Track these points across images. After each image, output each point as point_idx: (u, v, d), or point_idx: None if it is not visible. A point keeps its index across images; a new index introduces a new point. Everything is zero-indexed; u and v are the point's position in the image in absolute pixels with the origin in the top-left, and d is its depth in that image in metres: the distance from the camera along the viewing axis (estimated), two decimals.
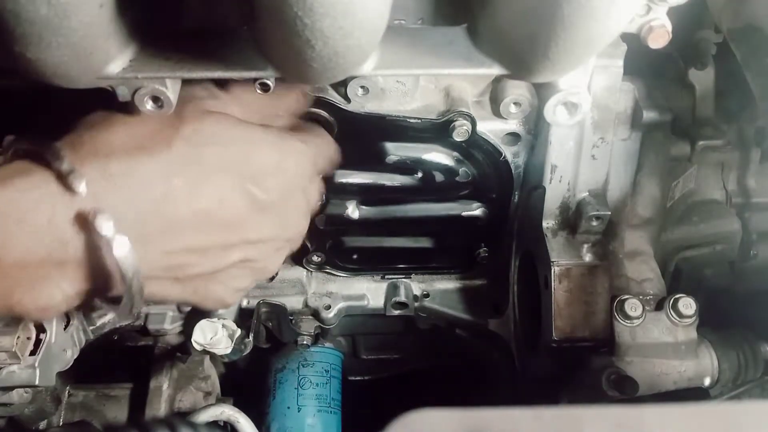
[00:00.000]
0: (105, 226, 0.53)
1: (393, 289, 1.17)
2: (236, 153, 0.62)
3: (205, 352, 0.90)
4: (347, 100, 0.86)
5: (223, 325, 0.86)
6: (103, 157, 0.57)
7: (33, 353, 0.84)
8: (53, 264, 0.53)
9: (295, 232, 0.69)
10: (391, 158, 0.96)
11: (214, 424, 0.90)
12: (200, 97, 0.67)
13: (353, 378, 1.34)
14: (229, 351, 0.90)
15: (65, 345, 0.91)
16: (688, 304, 0.90)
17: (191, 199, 0.59)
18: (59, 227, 0.53)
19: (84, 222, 0.53)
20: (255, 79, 0.83)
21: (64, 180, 0.53)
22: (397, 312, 1.17)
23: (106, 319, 1.20)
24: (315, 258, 1.11)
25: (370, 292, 1.19)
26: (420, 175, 0.99)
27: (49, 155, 0.53)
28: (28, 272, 0.52)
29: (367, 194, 1.03)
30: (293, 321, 1.16)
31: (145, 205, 0.57)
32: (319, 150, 0.73)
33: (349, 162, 0.98)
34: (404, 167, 0.98)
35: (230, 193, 0.61)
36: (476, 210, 1.05)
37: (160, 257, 0.59)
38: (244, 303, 1.13)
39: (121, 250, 0.53)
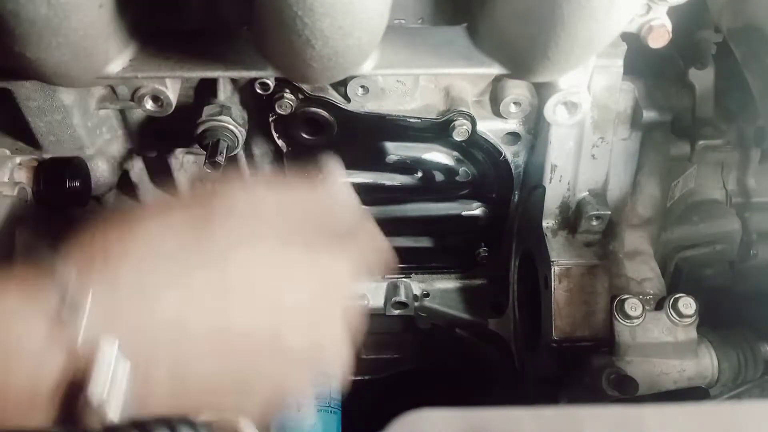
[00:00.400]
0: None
1: (393, 289, 1.17)
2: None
3: None
4: (347, 99, 0.86)
5: None
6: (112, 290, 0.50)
7: None
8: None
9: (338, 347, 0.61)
10: (391, 158, 0.96)
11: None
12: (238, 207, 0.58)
13: (353, 378, 1.33)
14: None
15: None
16: (688, 304, 0.90)
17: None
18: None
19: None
20: (255, 79, 0.84)
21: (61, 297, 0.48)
22: (397, 312, 1.17)
23: None
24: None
25: (369, 291, 1.19)
26: (420, 174, 0.99)
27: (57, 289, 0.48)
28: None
29: (367, 194, 1.03)
30: None
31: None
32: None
33: (349, 162, 0.98)
34: (404, 167, 0.98)
35: None
36: (476, 209, 1.05)
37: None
38: None
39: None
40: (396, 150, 0.95)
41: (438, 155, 0.96)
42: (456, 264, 1.18)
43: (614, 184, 0.94)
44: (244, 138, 0.88)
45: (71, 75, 0.67)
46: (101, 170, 0.94)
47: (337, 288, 0.58)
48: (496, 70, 0.72)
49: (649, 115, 0.91)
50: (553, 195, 0.93)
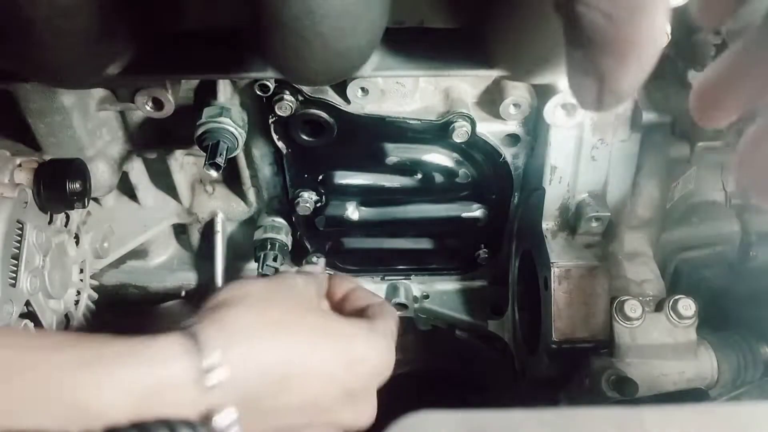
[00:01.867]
0: (225, 420, 0.55)
1: (393, 290, 1.17)
2: (341, 346, 0.67)
3: None
4: (347, 101, 0.86)
5: None
6: (250, 342, 0.60)
7: None
8: None
9: (365, 422, 0.70)
10: (391, 159, 0.96)
11: None
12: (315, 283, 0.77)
13: None
14: None
15: None
16: (687, 305, 0.90)
17: (303, 389, 0.63)
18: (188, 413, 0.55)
19: (206, 415, 0.56)
20: (255, 81, 0.84)
21: (199, 373, 0.55)
22: (397, 313, 1.17)
23: (106, 320, 1.20)
24: (315, 259, 1.11)
25: None
26: (420, 176, 0.99)
27: (191, 344, 0.56)
28: None
29: (367, 195, 1.03)
30: None
31: (262, 388, 0.60)
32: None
33: (348, 163, 0.98)
34: (404, 168, 0.98)
35: (330, 381, 0.65)
36: (476, 211, 1.05)
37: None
38: None
39: None
40: (396, 151, 0.95)
41: (438, 157, 0.97)
42: (456, 265, 1.18)
43: (614, 185, 0.94)
44: (244, 139, 0.88)
45: (71, 77, 0.67)
46: (101, 172, 0.94)
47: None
48: (495, 72, 0.72)
49: (648, 116, 0.91)
50: (553, 196, 0.93)
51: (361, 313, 0.78)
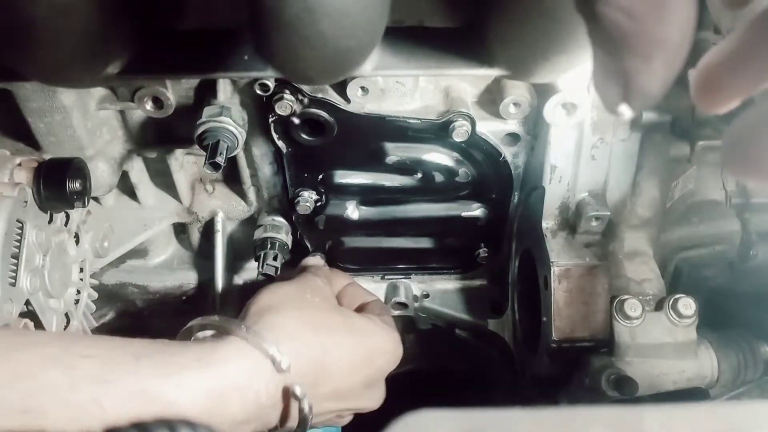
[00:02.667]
0: (300, 393, 0.70)
1: (393, 290, 1.17)
2: (361, 340, 0.79)
3: None
4: (347, 100, 0.86)
5: None
6: (296, 340, 0.72)
7: None
8: (254, 426, 0.69)
9: (377, 404, 0.84)
10: (391, 159, 0.96)
11: None
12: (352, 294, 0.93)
13: None
14: None
15: None
16: (687, 305, 0.90)
17: (333, 378, 0.75)
18: (264, 399, 0.68)
19: (285, 392, 0.70)
20: (255, 80, 0.84)
21: (273, 362, 0.68)
22: (396, 312, 1.17)
23: (106, 319, 1.21)
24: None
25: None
26: (420, 175, 0.99)
27: (251, 338, 0.69)
28: None
29: (366, 195, 1.03)
30: None
31: (306, 378, 0.72)
32: None
33: (348, 162, 0.98)
34: (404, 168, 0.98)
35: (353, 372, 0.77)
36: (476, 210, 1.05)
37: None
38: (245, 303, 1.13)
39: (306, 406, 0.71)
40: (396, 151, 0.95)
41: (438, 156, 0.97)
42: (456, 265, 1.18)
43: (614, 184, 0.94)
44: (244, 139, 0.88)
45: (71, 76, 0.67)
46: (101, 171, 0.94)
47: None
48: (495, 71, 0.72)
49: (648, 115, 0.91)
50: (553, 196, 0.93)
51: (360, 310, 0.89)
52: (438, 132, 0.90)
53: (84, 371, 0.60)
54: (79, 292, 0.96)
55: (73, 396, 0.58)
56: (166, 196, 1.09)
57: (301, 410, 0.72)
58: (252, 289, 0.87)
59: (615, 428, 0.37)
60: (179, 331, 0.76)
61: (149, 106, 0.82)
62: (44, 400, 0.56)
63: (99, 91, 0.88)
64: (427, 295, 1.19)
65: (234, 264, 1.16)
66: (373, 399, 0.82)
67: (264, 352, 0.69)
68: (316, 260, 1.06)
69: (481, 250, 1.13)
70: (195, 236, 1.15)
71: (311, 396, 0.72)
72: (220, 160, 0.82)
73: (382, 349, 0.81)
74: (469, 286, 1.20)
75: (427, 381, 1.35)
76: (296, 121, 0.89)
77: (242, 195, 1.08)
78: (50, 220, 0.87)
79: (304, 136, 0.92)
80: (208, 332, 0.75)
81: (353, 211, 1.05)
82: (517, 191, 1.03)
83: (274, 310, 0.75)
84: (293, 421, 0.73)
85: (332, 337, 0.76)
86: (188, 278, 1.18)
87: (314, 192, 1.01)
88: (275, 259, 1.02)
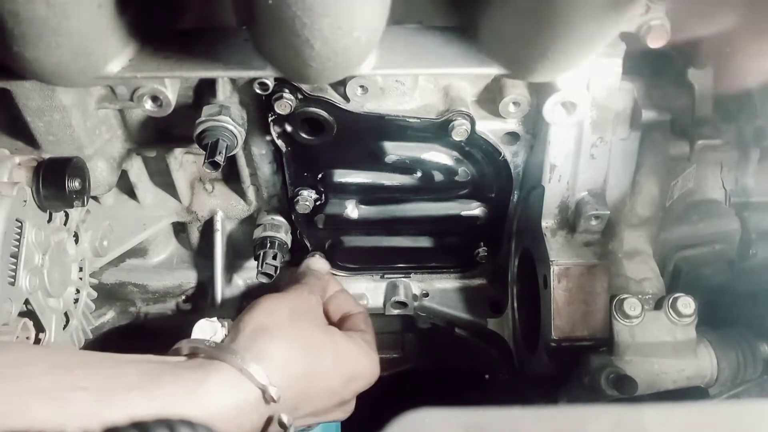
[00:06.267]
0: (287, 422, 0.73)
1: (392, 289, 1.17)
2: (342, 366, 0.83)
3: None
4: (346, 99, 0.86)
5: (223, 325, 0.86)
6: (285, 370, 0.74)
7: None
8: None
9: (346, 416, 0.90)
10: (391, 158, 0.96)
11: None
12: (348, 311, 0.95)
13: None
14: None
15: (64, 344, 0.91)
16: (687, 304, 0.90)
17: (314, 401, 0.80)
18: (248, 429, 0.70)
19: (269, 419, 0.73)
20: (254, 79, 0.84)
21: (264, 394, 0.71)
22: (396, 311, 1.17)
23: (106, 318, 1.20)
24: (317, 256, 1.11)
25: (369, 291, 1.19)
26: (419, 174, 0.99)
27: (244, 369, 0.70)
28: None
29: (366, 194, 1.03)
30: None
31: (292, 402, 0.76)
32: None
33: (348, 161, 0.98)
34: (403, 167, 0.98)
35: (332, 395, 0.82)
36: (475, 209, 1.05)
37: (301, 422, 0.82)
38: (244, 302, 1.14)
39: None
40: (395, 150, 0.95)
41: (437, 155, 0.97)
42: (455, 264, 1.18)
43: (613, 183, 0.94)
44: (244, 138, 0.88)
45: (70, 75, 0.67)
46: (100, 170, 0.94)
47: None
48: (495, 70, 0.72)
49: (648, 114, 0.91)
50: (553, 195, 0.93)
51: (344, 320, 0.94)
52: (437, 131, 0.90)
53: (75, 406, 0.60)
54: (78, 291, 0.96)
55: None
56: (166, 195, 1.09)
57: None
58: (251, 289, 0.87)
59: (614, 427, 0.37)
60: (174, 346, 0.77)
61: (148, 105, 0.81)
62: None
63: (98, 90, 0.88)
64: (426, 294, 1.19)
65: (233, 263, 1.16)
66: (343, 413, 0.88)
67: (256, 384, 0.71)
68: (320, 265, 1.06)
69: (480, 249, 1.13)
70: (194, 235, 1.15)
71: (311, 411, 0.78)
72: (220, 159, 0.82)
73: (361, 374, 0.85)
74: (469, 285, 1.20)
75: (426, 380, 1.35)
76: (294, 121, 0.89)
77: (241, 194, 1.08)
78: (49, 220, 0.87)
79: (304, 135, 0.91)
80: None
81: (353, 210, 1.05)
82: (516, 190, 1.03)
83: (267, 335, 0.77)
84: None
85: (319, 365, 0.79)
86: (187, 277, 1.18)
87: (314, 191, 1.01)
88: (275, 258, 1.02)
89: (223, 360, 0.71)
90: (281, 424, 0.73)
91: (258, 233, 1.05)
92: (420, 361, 1.36)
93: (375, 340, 0.94)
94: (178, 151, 1.01)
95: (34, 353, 0.72)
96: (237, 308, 1.12)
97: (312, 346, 0.80)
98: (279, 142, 0.93)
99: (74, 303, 0.95)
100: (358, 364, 0.85)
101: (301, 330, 0.81)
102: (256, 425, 0.72)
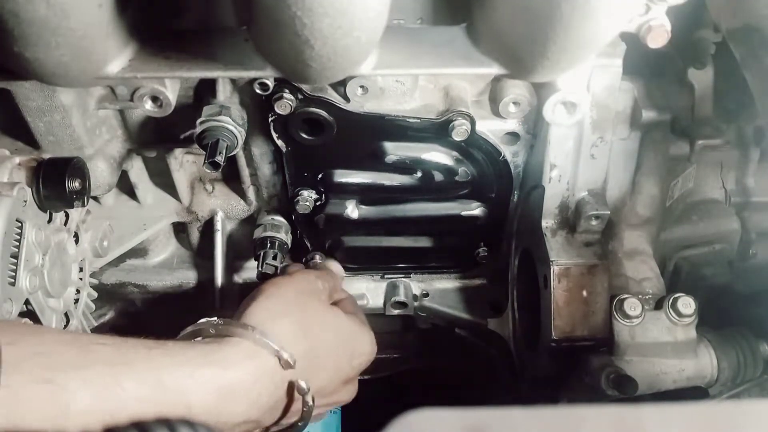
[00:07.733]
0: (305, 386, 0.75)
1: (392, 289, 1.17)
2: (346, 343, 0.85)
3: None
4: (346, 99, 0.86)
5: None
6: (293, 346, 0.75)
7: None
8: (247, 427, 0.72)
9: (351, 397, 0.91)
10: (391, 158, 0.96)
11: None
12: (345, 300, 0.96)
13: None
14: None
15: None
16: (687, 304, 0.90)
17: (320, 377, 0.80)
18: (265, 400, 0.72)
19: (291, 386, 0.75)
20: (254, 79, 0.84)
21: (280, 359, 0.72)
22: (396, 311, 1.17)
23: (106, 318, 1.21)
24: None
25: (369, 291, 1.19)
26: (419, 174, 0.99)
27: (258, 338, 0.72)
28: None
29: (366, 194, 1.03)
30: None
31: (311, 375, 0.77)
32: None
33: (348, 161, 0.98)
34: (403, 167, 0.98)
35: (337, 372, 0.84)
36: (475, 209, 1.05)
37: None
38: None
39: (311, 399, 0.76)
40: (395, 150, 0.95)
41: (437, 155, 0.97)
42: (455, 264, 1.18)
43: (613, 183, 0.94)
44: (244, 138, 0.88)
45: (70, 75, 0.67)
46: (101, 170, 0.94)
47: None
48: (495, 70, 0.72)
49: (648, 114, 0.91)
50: (553, 195, 0.93)
51: (339, 303, 0.94)
52: (437, 131, 0.90)
53: (99, 355, 0.61)
54: (78, 291, 0.96)
55: (92, 374, 0.59)
56: (166, 196, 1.09)
57: (305, 403, 0.76)
58: (252, 289, 0.87)
59: (614, 427, 0.37)
60: (180, 334, 0.77)
61: (148, 105, 0.81)
62: (64, 375, 0.57)
63: (98, 91, 0.88)
64: (426, 294, 1.18)
65: (233, 263, 1.16)
66: (348, 393, 0.89)
67: (270, 351, 0.72)
68: (337, 268, 1.08)
69: (480, 249, 1.13)
70: (194, 235, 1.15)
71: (327, 385, 0.80)
72: (220, 159, 0.82)
73: (362, 351, 0.87)
74: (469, 285, 1.20)
75: (426, 380, 1.35)
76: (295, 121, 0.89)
77: (242, 194, 1.08)
78: (50, 220, 0.87)
79: (304, 135, 0.91)
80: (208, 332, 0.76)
81: (353, 210, 1.05)
82: (516, 190, 1.03)
83: (273, 312, 0.78)
84: (292, 416, 0.77)
85: (324, 341, 0.81)
86: (188, 277, 1.18)
87: (314, 191, 1.01)
88: (275, 258, 1.02)
89: (233, 335, 0.73)
90: (299, 389, 0.74)
91: (258, 233, 1.05)
92: (420, 361, 1.36)
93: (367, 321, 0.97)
94: (178, 151, 1.01)
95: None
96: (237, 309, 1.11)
97: (316, 323, 0.82)
98: (279, 143, 0.93)
99: (74, 303, 0.95)
100: (359, 341, 0.87)
101: (306, 309, 0.82)
102: (273, 396, 0.73)
